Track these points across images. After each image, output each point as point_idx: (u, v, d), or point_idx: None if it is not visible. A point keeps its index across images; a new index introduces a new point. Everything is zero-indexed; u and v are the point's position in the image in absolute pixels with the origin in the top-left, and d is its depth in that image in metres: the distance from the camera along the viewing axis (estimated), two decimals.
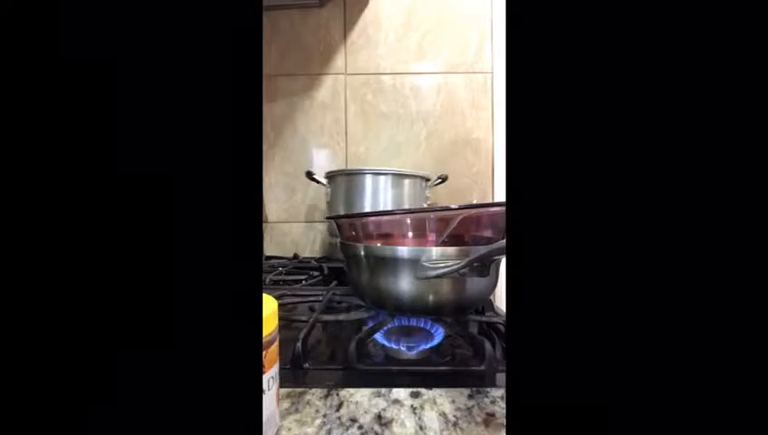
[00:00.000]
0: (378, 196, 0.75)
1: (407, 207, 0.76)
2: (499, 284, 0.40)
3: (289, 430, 0.23)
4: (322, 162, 0.96)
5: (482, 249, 0.31)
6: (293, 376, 0.30)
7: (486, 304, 0.47)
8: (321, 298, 0.49)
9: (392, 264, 0.36)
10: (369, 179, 0.75)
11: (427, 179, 0.81)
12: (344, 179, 0.77)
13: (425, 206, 0.79)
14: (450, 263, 0.33)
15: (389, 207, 0.74)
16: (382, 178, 0.75)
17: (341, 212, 0.75)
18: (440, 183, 0.84)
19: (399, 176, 0.76)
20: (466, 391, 0.27)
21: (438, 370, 0.31)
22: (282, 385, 0.26)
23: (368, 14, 0.95)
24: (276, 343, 0.21)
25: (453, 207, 0.38)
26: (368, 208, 0.74)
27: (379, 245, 0.38)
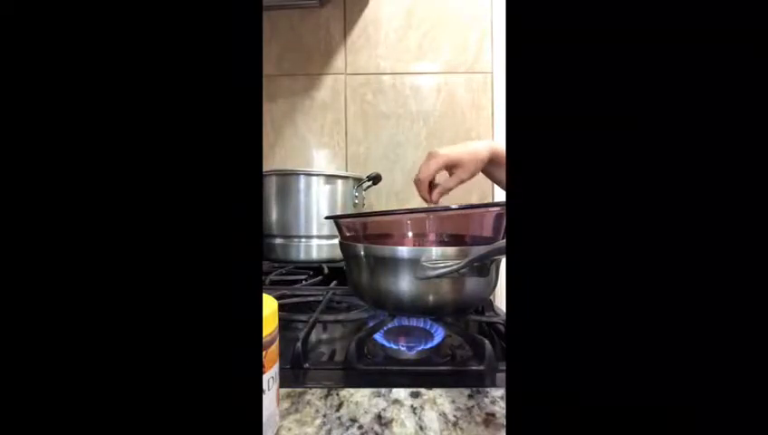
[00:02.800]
0: (310, 197, 0.75)
1: (340, 207, 0.76)
2: (499, 284, 0.40)
3: (289, 430, 0.23)
4: (322, 162, 0.96)
5: (482, 249, 0.31)
6: (293, 376, 0.30)
7: (486, 304, 0.47)
8: (321, 298, 0.49)
9: (392, 264, 0.36)
10: (302, 180, 0.75)
11: (359, 180, 0.80)
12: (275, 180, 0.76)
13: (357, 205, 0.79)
14: (450, 263, 0.33)
15: (323, 208, 0.75)
16: (314, 178, 0.75)
17: (273, 212, 0.75)
18: (371, 185, 0.81)
19: (332, 177, 0.76)
20: (466, 391, 0.27)
21: (438, 370, 0.31)
22: (282, 385, 0.26)
23: (368, 14, 0.95)
24: (276, 343, 0.21)
25: (453, 207, 0.38)
26: (302, 209, 0.74)
27: (378, 245, 0.38)
